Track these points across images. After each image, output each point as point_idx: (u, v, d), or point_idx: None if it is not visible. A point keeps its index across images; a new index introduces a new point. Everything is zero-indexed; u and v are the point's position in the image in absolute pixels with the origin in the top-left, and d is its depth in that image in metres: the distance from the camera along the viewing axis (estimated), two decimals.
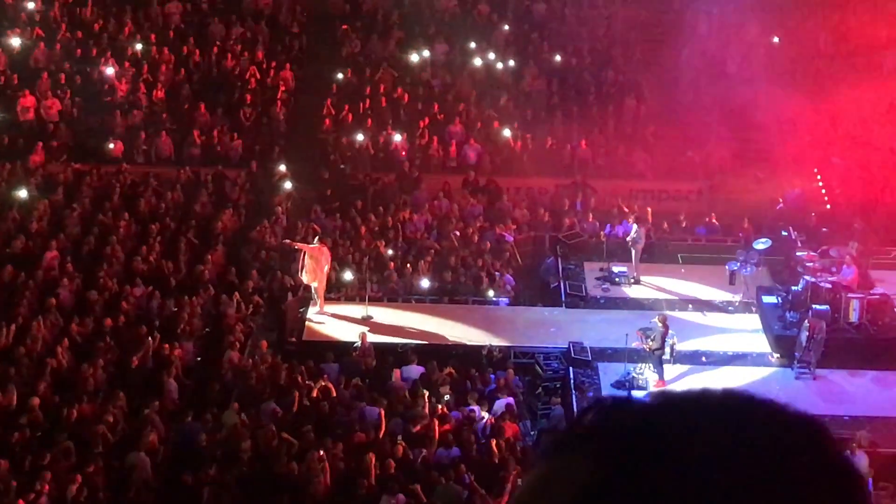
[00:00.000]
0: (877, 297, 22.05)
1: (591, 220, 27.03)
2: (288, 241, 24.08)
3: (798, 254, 23.41)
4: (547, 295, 24.48)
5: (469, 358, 21.07)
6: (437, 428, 18.13)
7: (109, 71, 30.00)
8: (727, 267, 23.91)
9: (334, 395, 19.25)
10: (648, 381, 20.28)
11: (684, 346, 21.26)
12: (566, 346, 21.53)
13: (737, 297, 23.64)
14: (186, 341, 20.82)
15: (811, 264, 22.43)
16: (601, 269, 24.92)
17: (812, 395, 20.27)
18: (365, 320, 22.54)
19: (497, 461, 17.43)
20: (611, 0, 34.23)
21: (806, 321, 20.76)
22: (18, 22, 31.37)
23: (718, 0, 33.08)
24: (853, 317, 21.45)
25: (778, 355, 21.52)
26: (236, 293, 22.29)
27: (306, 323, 22.57)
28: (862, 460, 17.07)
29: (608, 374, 20.91)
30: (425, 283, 23.83)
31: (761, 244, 24.26)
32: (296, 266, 23.08)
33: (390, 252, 24.68)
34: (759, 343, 22.05)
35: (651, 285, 24.56)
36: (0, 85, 29.71)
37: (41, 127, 28.82)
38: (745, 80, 30.58)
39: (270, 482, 16.85)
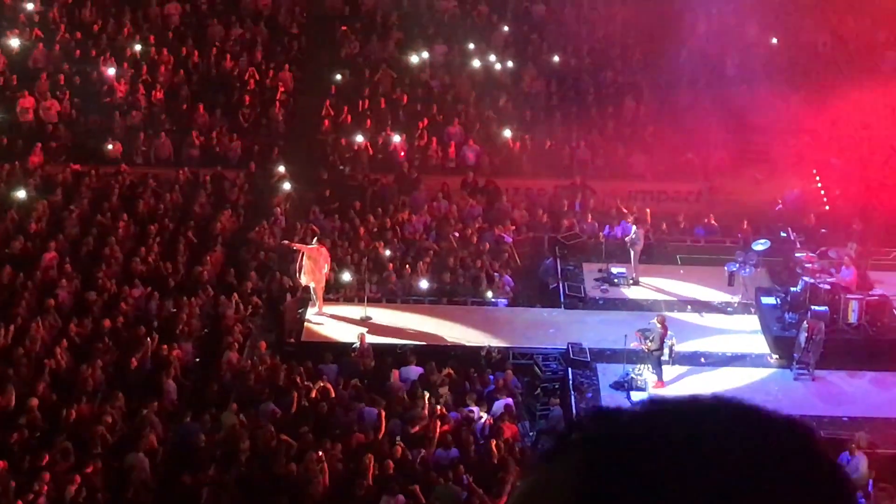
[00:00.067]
0: (875, 298, 22.05)
1: (590, 221, 27.03)
2: (286, 241, 24.09)
3: (797, 255, 23.39)
4: (546, 296, 24.46)
5: (468, 359, 21.07)
6: (435, 429, 18.14)
7: (109, 72, 30.02)
8: (726, 268, 23.89)
9: (333, 395, 19.24)
10: (647, 382, 20.24)
11: (683, 347, 21.24)
12: (565, 346, 21.53)
13: (735, 299, 23.62)
14: (185, 342, 20.82)
15: (810, 265, 22.39)
16: (600, 270, 24.91)
17: (811, 397, 20.29)
18: (364, 321, 22.54)
19: (496, 462, 17.43)
20: (610, 1, 34.23)
21: (805, 322, 20.74)
22: (17, 23, 31.37)
23: (717, 1, 33.11)
24: (852, 318, 21.45)
25: (777, 356, 21.51)
26: (235, 294, 22.29)
27: (305, 324, 22.57)
28: (861, 461, 17.07)
29: (607, 375, 20.88)
30: (424, 284, 23.83)
31: (760, 245, 24.25)
32: (294, 267, 23.07)
33: (389, 253, 24.66)
34: (758, 344, 22.03)
35: (650, 286, 24.54)
36: None
37: (40, 128, 28.83)
38: (744, 81, 30.63)
39: (269, 483, 16.84)
